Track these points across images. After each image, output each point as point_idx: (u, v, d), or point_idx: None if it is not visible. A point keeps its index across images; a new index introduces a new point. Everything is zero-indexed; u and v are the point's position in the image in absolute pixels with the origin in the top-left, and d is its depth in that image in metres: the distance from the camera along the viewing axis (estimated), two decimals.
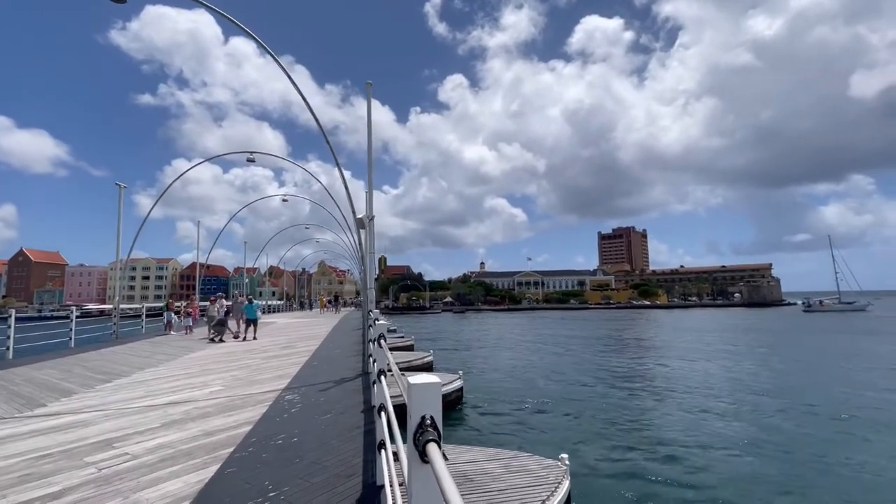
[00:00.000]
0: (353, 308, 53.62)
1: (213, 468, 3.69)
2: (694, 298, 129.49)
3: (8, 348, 10.40)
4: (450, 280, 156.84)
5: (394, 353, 19.04)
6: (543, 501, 6.12)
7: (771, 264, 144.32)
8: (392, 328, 32.15)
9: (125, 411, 5.63)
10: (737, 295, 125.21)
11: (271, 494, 3.20)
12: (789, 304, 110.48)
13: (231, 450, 4.14)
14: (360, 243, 8.93)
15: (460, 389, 13.34)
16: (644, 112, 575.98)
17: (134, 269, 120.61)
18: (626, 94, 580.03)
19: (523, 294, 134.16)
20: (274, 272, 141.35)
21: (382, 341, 3.70)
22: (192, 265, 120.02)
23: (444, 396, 12.40)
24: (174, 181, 20.42)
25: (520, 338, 37.32)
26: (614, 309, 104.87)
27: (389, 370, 3.54)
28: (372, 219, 8.16)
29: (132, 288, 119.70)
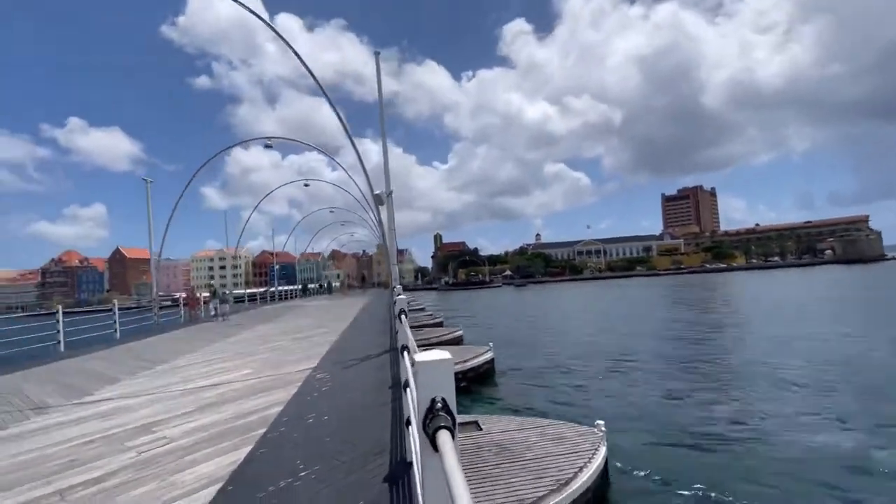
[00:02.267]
0: (381, 288, 54.26)
1: (246, 449, 3.72)
2: (775, 259, 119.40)
3: (58, 342, 10.97)
4: (506, 254, 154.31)
5: (422, 329, 19.30)
6: (580, 468, 6.02)
7: (868, 216, 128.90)
8: (421, 307, 32.48)
9: (164, 396, 5.80)
10: (827, 252, 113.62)
11: (302, 473, 3.18)
12: (894, 258, 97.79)
13: (263, 430, 4.17)
14: (379, 220, 8.81)
15: (491, 361, 13.34)
16: (734, 44, 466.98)
17: (212, 259, 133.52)
18: (708, 28, 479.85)
19: (585, 264, 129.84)
20: (336, 256, 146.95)
21: (403, 317, 3.58)
22: (263, 254, 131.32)
23: (475, 369, 12.42)
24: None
25: (590, 311, 34.67)
26: (686, 274, 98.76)
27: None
28: (390, 194, 7.99)
29: (211, 278, 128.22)
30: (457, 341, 17.14)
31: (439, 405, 1.00)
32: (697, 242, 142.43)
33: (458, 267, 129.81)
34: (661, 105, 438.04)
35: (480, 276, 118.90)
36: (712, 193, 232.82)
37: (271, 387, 5.93)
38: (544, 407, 10.29)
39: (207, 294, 19.40)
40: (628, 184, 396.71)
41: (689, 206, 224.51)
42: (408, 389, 3.02)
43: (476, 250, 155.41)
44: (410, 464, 2.97)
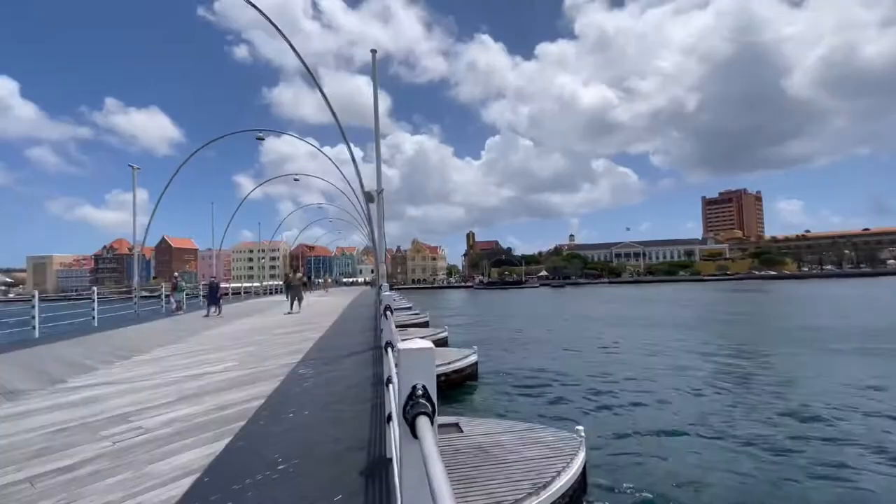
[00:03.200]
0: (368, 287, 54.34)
1: (225, 441, 3.69)
2: (829, 267, 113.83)
3: (33, 328, 10.71)
4: (540, 254, 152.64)
5: (407, 329, 19.23)
6: (559, 472, 6.08)
7: None
8: (408, 305, 32.38)
9: (142, 387, 5.71)
10: (890, 262, 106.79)
11: (280, 467, 3.17)
12: None
13: (243, 423, 4.14)
14: (368, 217, 8.80)
15: (475, 364, 13.36)
16: (833, 18, 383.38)
17: (251, 251, 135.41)
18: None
19: (623, 266, 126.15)
20: (369, 251, 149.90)
21: (389, 313, 3.59)
22: (300, 246, 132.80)
23: (457, 371, 12.44)
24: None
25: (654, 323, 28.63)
26: (733, 280, 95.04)
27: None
28: (380, 192, 7.99)
29: (251, 269, 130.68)
30: (441, 343, 17.14)
31: (420, 392, 1.03)
32: (743, 248, 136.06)
33: (492, 266, 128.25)
34: (734, 91, 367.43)
35: (515, 275, 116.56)
36: (757, 197, 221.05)
37: (254, 380, 5.88)
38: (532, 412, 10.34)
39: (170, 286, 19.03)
40: (684, 182, 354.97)
41: (731, 210, 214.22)
42: (390, 385, 3.03)
43: (510, 250, 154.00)
44: (390, 459, 2.99)
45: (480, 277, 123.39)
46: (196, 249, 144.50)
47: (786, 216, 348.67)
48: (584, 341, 20.84)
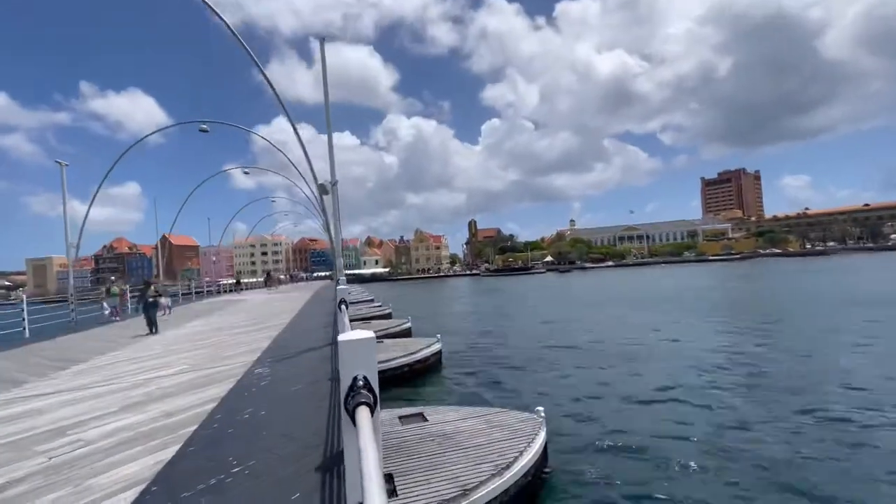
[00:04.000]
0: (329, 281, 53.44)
1: (174, 448, 3.53)
2: (832, 244, 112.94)
3: None
4: (542, 239, 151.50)
5: (370, 321, 19.07)
6: (520, 453, 6.27)
7: None
8: (369, 297, 32.03)
9: (81, 397, 5.34)
10: (893, 236, 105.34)
11: (235, 470, 3.07)
12: None
13: (194, 428, 3.97)
14: (323, 210, 8.58)
15: (439, 353, 13.46)
16: None
17: (253, 246, 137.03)
18: None
19: (628, 250, 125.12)
20: (371, 242, 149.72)
21: (343, 307, 3.54)
22: (302, 240, 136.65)
23: (422, 361, 12.50)
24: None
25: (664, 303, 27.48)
26: (739, 260, 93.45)
27: None
28: (335, 184, 7.81)
29: (253, 263, 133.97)
30: (405, 333, 17.13)
31: (360, 383, 1.02)
32: (745, 227, 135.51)
33: (496, 253, 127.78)
34: (763, 53, 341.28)
35: (521, 262, 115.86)
36: (756, 177, 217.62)
37: (206, 383, 5.64)
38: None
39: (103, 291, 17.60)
40: (699, 158, 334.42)
41: (730, 189, 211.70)
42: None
43: (512, 237, 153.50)
44: None
45: (486, 265, 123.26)
46: (197, 246, 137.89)
47: (790, 191, 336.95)
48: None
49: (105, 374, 6.68)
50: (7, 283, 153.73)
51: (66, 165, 15.60)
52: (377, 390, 1.06)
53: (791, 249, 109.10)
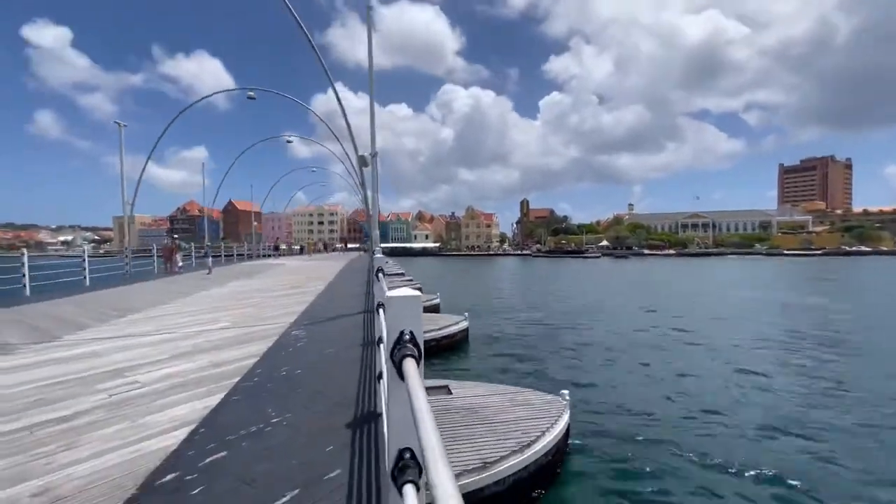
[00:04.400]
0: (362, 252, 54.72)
1: (220, 396, 3.78)
2: None
3: (24, 286, 10.68)
4: (598, 222, 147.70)
5: None
6: (543, 432, 6.34)
7: None
8: (400, 271, 32.54)
9: (136, 344, 5.78)
10: None
11: (273, 420, 3.27)
12: None
13: (237, 380, 4.23)
14: (362, 182, 8.71)
15: (466, 330, 13.63)
16: None
17: (311, 214, 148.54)
18: None
19: (691, 238, 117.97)
20: (423, 216, 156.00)
21: (381, 274, 3.63)
22: (356, 211, 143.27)
23: (448, 336, 12.69)
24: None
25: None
26: (821, 256, 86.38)
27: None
28: (374, 156, 7.87)
29: (310, 232, 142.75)
30: (434, 309, 17.39)
31: (407, 337, 1.07)
32: (830, 221, 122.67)
33: (549, 234, 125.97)
34: (874, 18, 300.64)
35: (574, 245, 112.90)
36: (847, 165, 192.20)
37: (248, 340, 5.97)
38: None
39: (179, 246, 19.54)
40: (791, 140, 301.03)
41: (813, 178, 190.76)
42: (381, 345, 3.10)
43: (566, 218, 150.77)
44: (379, 414, 3.09)
45: (538, 245, 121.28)
46: (260, 212, 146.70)
47: (892, 181, 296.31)
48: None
49: (157, 324, 7.18)
50: (96, 237, 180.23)
51: (125, 126, 16.44)
52: (422, 345, 1.10)
53: (884, 248, 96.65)
